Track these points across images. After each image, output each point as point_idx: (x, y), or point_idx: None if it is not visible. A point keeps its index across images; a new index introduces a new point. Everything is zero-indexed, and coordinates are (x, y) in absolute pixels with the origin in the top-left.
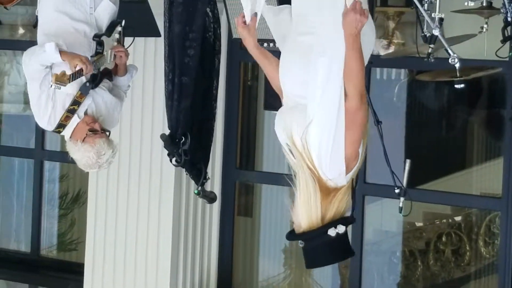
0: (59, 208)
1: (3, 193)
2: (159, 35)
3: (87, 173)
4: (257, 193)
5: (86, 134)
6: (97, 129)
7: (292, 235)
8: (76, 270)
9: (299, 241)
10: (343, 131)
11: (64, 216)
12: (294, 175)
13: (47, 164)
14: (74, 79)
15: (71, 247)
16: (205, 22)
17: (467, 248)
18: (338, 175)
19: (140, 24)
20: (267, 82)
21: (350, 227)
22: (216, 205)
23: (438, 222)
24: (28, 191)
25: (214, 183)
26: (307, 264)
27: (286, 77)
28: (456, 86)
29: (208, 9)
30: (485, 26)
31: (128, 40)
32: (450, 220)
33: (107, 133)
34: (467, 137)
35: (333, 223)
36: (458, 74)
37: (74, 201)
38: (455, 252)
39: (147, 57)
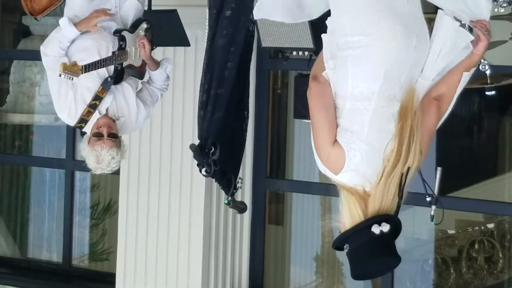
0: (90, 218)
1: (35, 203)
2: (189, 45)
3: (118, 183)
4: (288, 202)
5: (90, 137)
6: (103, 135)
7: (336, 238)
8: (107, 280)
9: (345, 245)
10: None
11: (95, 226)
12: None
13: (78, 174)
14: (88, 71)
15: (103, 257)
16: (246, 35)
17: (500, 255)
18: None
19: (169, 33)
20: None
21: None
22: (247, 214)
23: (470, 230)
24: (59, 201)
25: (245, 192)
26: (353, 271)
27: None
28: (487, 92)
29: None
30: None
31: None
32: (482, 228)
33: (116, 139)
34: (498, 144)
35: (377, 218)
36: (489, 81)
37: (105, 211)
38: (488, 259)
39: (176, 68)
